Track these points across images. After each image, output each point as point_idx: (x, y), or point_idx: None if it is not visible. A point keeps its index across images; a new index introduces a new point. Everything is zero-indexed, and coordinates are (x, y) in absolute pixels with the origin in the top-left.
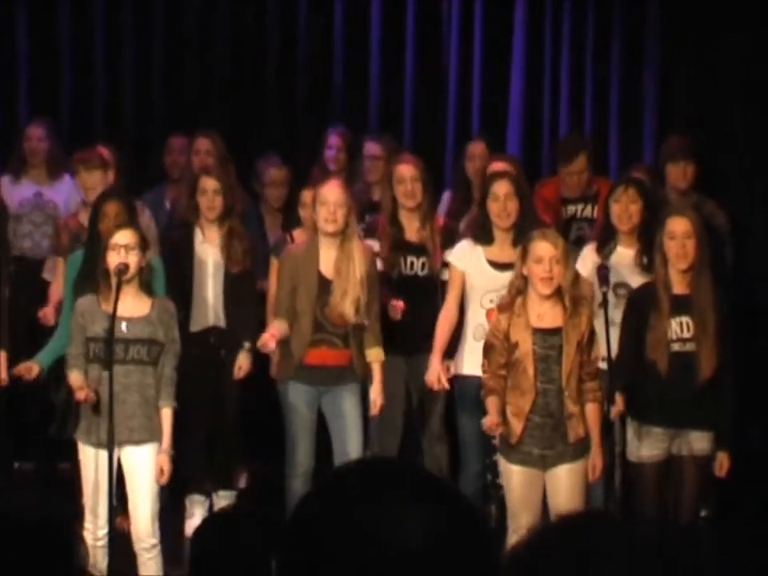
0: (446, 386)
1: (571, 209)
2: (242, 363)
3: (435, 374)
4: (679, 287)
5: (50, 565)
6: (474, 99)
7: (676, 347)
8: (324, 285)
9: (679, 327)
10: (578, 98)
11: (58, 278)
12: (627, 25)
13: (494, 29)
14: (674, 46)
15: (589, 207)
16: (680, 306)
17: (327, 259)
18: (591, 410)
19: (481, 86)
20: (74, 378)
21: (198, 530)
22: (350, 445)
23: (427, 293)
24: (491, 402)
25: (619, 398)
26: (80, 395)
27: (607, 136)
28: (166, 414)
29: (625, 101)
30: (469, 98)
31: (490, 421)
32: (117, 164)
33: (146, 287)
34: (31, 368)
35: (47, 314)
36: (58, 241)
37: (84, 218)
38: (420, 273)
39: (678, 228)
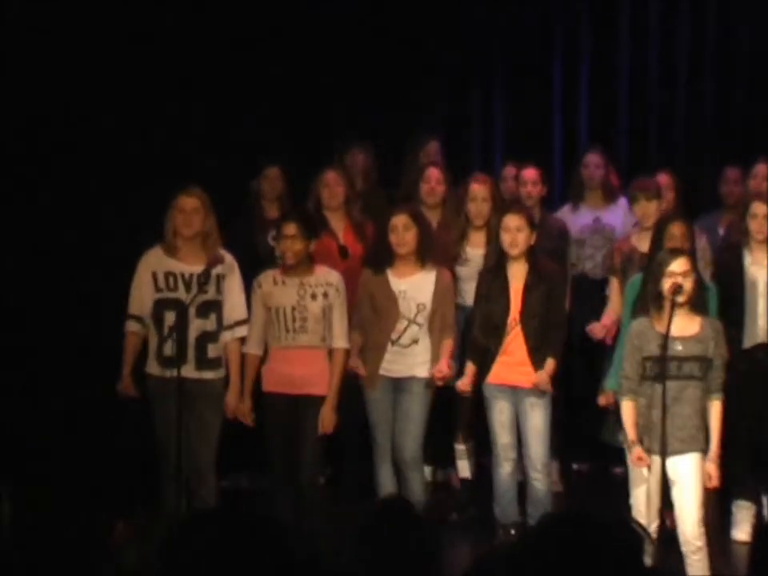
0: None
1: None
2: None
3: None
4: None
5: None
6: None
7: None
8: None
9: None
10: None
11: (613, 297)
12: None
13: None
14: None
15: None
16: None
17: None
18: None
19: None
20: (626, 406)
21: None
22: None
23: None
24: None
25: None
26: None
27: None
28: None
29: None
30: None
31: None
32: (676, 188)
33: (697, 307)
34: (608, 396)
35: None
36: (611, 262)
37: (635, 241)
38: None
39: None
